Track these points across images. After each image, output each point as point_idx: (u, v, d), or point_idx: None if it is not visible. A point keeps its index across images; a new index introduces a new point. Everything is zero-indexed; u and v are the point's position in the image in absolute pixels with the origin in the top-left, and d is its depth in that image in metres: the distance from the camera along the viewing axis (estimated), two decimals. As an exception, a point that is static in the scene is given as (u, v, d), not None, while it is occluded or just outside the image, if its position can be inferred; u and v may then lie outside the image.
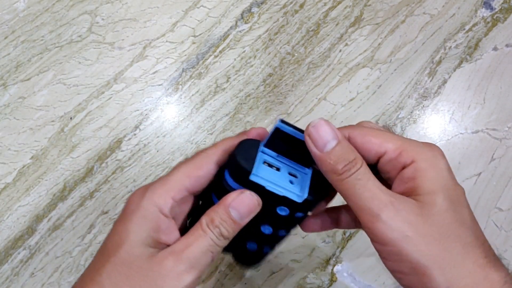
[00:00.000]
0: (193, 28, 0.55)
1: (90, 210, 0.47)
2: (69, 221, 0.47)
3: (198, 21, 0.55)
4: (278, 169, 0.29)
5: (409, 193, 0.26)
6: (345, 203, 0.29)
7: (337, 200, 0.31)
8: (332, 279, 0.45)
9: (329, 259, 0.46)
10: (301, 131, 0.28)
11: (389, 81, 0.52)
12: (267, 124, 0.50)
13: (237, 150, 0.28)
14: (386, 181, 0.30)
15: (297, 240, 0.46)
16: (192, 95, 0.52)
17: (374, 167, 0.30)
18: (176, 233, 0.29)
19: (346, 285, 0.45)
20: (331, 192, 0.31)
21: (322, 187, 0.29)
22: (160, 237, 0.28)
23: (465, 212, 0.27)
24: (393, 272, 0.26)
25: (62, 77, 0.52)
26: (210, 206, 0.29)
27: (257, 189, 0.28)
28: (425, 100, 0.51)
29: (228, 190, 0.29)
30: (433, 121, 0.51)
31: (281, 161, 0.30)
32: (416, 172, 0.27)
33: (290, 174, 0.30)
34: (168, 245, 0.28)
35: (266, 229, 0.31)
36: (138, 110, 0.51)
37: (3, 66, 0.52)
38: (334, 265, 0.45)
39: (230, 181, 0.29)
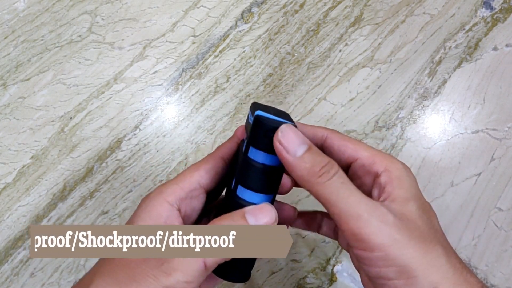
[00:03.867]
0: (193, 28, 0.54)
1: (90, 210, 0.47)
2: (69, 221, 0.47)
3: (198, 21, 0.55)
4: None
5: (385, 199, 0.27)
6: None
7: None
8: (332, 279, 0.45)
9: (329, 259, 0.46)
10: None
11: (389, 81, 0.52)
12: (267, 124, 0.50)
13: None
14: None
15: (297, 240, 0.46)
16: (192, 95, 0.52)
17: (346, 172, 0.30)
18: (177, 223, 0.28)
19: (346, 285, 0.45)
20: None
21: None
22: None
23: (436, 222, 0.28)
24: (377, 278, 0.26)
25: (62, 77, 0.52)
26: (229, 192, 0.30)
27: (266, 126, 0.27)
28: (425, 100, 0.51)
29: (248, 162, 0.28)
30: (433, 121, 0.51)
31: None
32: (391, 179, 0.27)
33: None
34: None
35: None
36: (138, 110, 0.51)
37: (3, 66, 0.52)
38: (334, 265, 0.45)
39: (252, 151, 0.28)
